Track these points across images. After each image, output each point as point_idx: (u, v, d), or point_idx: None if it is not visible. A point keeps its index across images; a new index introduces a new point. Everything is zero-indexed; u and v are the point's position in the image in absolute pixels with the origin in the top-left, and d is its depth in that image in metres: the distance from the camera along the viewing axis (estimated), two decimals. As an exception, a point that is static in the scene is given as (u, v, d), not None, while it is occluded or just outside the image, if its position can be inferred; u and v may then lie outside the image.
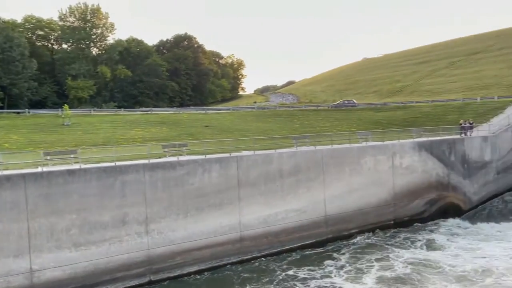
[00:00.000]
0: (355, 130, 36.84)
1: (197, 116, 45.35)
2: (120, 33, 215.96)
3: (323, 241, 22.64)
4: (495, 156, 31.32)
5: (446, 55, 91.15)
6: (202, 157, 20.31)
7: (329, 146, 24.66)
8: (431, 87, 69.17)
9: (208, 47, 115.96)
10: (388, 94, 73.41)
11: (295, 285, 17.57)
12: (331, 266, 19.57)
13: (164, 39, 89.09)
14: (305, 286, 17.44)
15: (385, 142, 26.59)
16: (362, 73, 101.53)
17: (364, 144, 26.44)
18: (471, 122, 33.62)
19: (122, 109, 50.73)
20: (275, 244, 21.20)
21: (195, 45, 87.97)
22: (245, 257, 20.20)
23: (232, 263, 19.76)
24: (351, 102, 57.31)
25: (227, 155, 21.10)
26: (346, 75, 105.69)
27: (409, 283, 17.46)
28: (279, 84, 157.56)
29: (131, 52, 72.10)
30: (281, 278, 18.25)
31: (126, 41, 72.48)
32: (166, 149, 21.92)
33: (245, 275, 18.59)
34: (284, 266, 19.60)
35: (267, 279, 18.15)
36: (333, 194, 23.42)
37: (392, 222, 25.49)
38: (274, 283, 17.79)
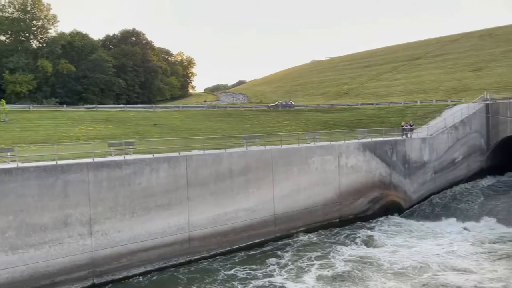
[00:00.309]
0: (303, 131, 37.60)
1: (145, 114, 44.26)
2: (63, 26, 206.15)
3: (272, 239, 22.92)
4: (433, 157, 33.19)
5: (389, 60, 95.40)
6: (150, 156, 19.84)
7: (279, 146, 24.98)
8: (375, 90, 72.15)
9: (157, 44, 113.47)
10: (335, 96, 75.64)
11: (234, 286, 17.30)
12: (274, 265, 19.56)
13: (111, 34, 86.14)
14: (244, 286, 17.23)
15: (332, 143, 27.36)
16: (311, 75, 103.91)
17: (312, 144, 27.05)
18: (411, 124, 35.43)
19: (65, 106, 48.40)
20: (224, 244, 21.16)
21: (144, 42, 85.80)
22: (193, 258, 19.99)
23: (180, 264, 19.48)
24: (289, 103, 58.56)
25: (176, 154, 20.77)
26: (295, 77, 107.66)
27: (349, 281, 17.63)
28: (230, 83, 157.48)
29: (75, 47, 69.02)
30: (222, 278, 18.01)
31: (70, 34, 69.29)
32: (112, 148, 21.20)
33: (190, 276, 18.30)
34: (228, 266, 19.46)
35: (210, 279, 17.90)
36: (282, 193, 23.76)
37: (338, 220, 26.27)
38: (216, 283, 17.52)
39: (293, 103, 59.31)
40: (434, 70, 76.11)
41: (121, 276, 17.85)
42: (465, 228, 25.46)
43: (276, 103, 59.81)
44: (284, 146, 25.19)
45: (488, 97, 41.54)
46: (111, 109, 46.86)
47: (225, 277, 18.21)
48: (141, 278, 18.06)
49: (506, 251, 20.77)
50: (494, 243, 22.41)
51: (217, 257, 20.54)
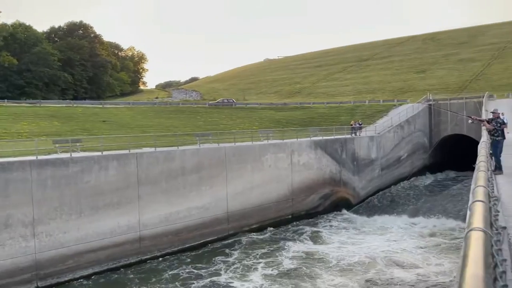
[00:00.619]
0: (257, 129, 37.80)
1: (93, 110, 42.65)
2: (5, 17, 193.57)
3: (225, 237, 22.86)
4: (380, 154, 34.51)
5: (339, 60, 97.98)
6: (99, 153, 19.13)
7: (232, 144, 24.95)
8: (326, 90, 73.88)
9: (106, 38, 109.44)
10: (288, 94, 76.65)
11: (176, 286, 16.86)
12: (221, 263, 19.21)
13: (56, 26, 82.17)
14: (187, 287, 16.84)
15: (285, 141, 27.71)
16: (264, 73, 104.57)
17: (265, 142, 27.25)
18: (360, 123, 36.63)
19: (6, 100, 45.59)
20: (176, 243, 20.84)
21: (92, 35, 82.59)
22: (144, 257, 19.53)
23: (131, 264, 18.96)
24: (230, 100, 58.64)
25: (126, 151, 20.16)
26: (248, 75, 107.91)
27: (296, 278, 17.44)
28: (182, 80, 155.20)
29: (17, 38, 65.33)
30: (167, 278, 17.48)
31: (12, 26, 65.38)
32: (57, 145, 20.23)
33: (137, 276, 17.74)
34: (176, 265, 18.99)
35: (154, 279, 17.37)
36: (235, 190, 23.75)
37: (290, 216, 26.67)
38: (159, 284, 16.99)
39: (234, 100, 59.49)
40: (382, 71, 79.11)
41: (66, 279, 17.10)
42: (410, 223, 26.50)
43: (218, 100, 59.74)
44: (237, 144, 25.20)
45: (430, 98, 43.80)
46: (57, 105, 44.74)
47: (170, 277, 17.61)
48: (86, 281, 17.34)
49: (448, 245, 21.48)
50: (437, 237, 23.19)
51: (169, 256, 20.17)
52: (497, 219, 2.03)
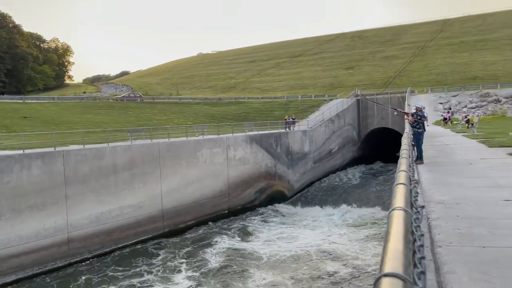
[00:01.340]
0: (191, 124, 37.33)
1: (12, 105, 39.60)
2: None
3: (160, 235, 22.34)
4: (312, 148, 35.65)
5: (272, 56, 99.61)
6: (20, 152, 17.79)
7: (166, 140, 24.41)
8: (260, 85, 74.81)
9: (26, 28, 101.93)
10: (222, 89, 76.55)
11: None
12: (147, 264, 18.43)
13: (-32, 14, 75.02)
14: None
15: (220, 136, 27.63)
16: (198, 68, 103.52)
17: (200, 137, 26.99)
18: (293, 117, 37.56)
19: None
20: (107, 243, 20.00)
21: (10, 25, 76.47)
22: (73, 260, 18.52)
23: (59, 268, 17.90)
24: (137, 95, 57.81)
25: (51, 149, 18.94)
26: (182, 69, 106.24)
27: (226, 275, 16.86)
28: (112, 74, 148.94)
29: None
30: (80, 283, 16.55)
31: None
32: (-29, 143, 18.52)
33: (62, 280, 16.74)
34: (103, 267, 18.00)
35: (76, 283, 16.51)
36: (170, 187, 23.28)
37: (226, 211, 26.69)
38: None
39: (141, 95, 58.60)
40: (313, 67, 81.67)
41: (-14, 288, 15.78)
42: (340, 214, 27.51)
43: (124, 94, 58.45)
44: (171, 139, 24.70)
45: (359, 93, 46.00)
46: (-30, 100, 40.97)
47: (83, 282, 16.61)
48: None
49: (376, 232, 21.96)
50: (370, 227, 23.60)
51: (101, 257, 19.31)
52: (416, 200, 2.18)
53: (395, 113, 15.88)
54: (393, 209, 1.58)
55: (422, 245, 1.24)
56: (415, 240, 1.32)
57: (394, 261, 0.99)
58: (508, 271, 3.54)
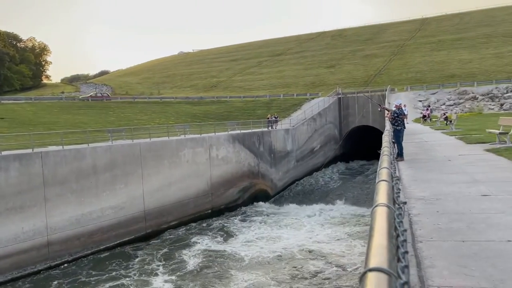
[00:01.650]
0: (173, 123, 37.06)
1: (-12, 106, 38.62)
2: None
3: (142, 236, 22.12)
4: (295, 146, 35.83)
5: (254, 55, 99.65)
6: (-3, 153, 17.38)
7: (147, 140, 24.17)
8: (242, 84, 74.76)
9: (2, 27, 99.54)
10: (204, 88, 76.19)
11: None
12: (124, 268, 18.08)
13: None
14: None
15: (203, 135, 27.49)
16: (179, 67, 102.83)
17: (182, 137, 26.81)
18: (276, 116, 37.67)
19: None
20: (89, 245, 19.70)
21: (-15, 23, 74.44)
22: (53, 263, 18.18)
23: (38, 271, 17.55)
24: (104, 94, 57.47)
25: (29, 151, 18.54)
26: (163, 68, 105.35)
27: (206, 278, 16.58)
28: (92, 73, 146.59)
29: None
30: (63, 286, 16.24)
31: None
32: None
33: (39, 284, 16.40)
34: (71, 272, 17.60)
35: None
36: (152, 188, 23.07)
37: (209, 211, 26.59)
38: None
39: (109, 94, 58.11)
40: (294, 66, 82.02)
41: (-38, 294, 15.37)
42: (323, 212, 27.46)
43: (91, 93, 57.78)
44: (153, 139, 24.46)
45: (340, 92, 46.41)
46: None
47: (62, 286, 16.22)
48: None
49: (359, 229, 21.97)
50: (353, 224, 23.57)
51: (82, 259, 19.00)
52: (398, 196, 2.22)
53: (379, 108, 16.25)
54: (376, 205, 1.61)
55: (405, 240, 1.27)
56: (398, 236, 1.35)
57: (378, 256, 1.01)
58: (486, 264, 3.63)
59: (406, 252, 1.25)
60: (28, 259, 17.37)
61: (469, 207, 5.71)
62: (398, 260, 1.18)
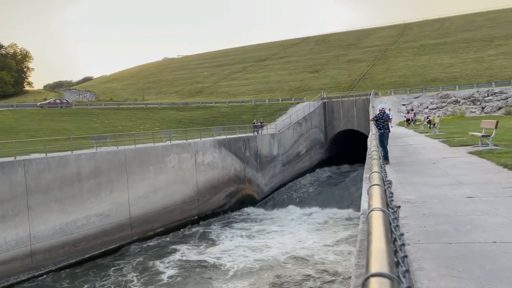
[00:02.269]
0: (158, 129, 36.81)
1: (-32, 114, 37.80)
2: None
3: (128, 244, 21.84)
4: (281, 151, 35.91)
5: (239, 60, 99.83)
6: (-23, 162, 17.00)
7: (132, 146, 23.94)
8: (228, 89, 74.74)
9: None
10: (189, 94, 75.95)
11: None
12: (100, 278, 17.78)
13: None
14: None
15: (188, 141, 27.36)
16: (164, 72, 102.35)
17: (168, 143, 26.63)
18: (261, 121, 37.74)
19: None
20: (73, 254, 19.36)
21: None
22: (37, 273, 17.81)
23: (22, 282, 17.16)
24: (64, 101, 55.63)
25: (11, 159, 18.19)
26: (147, 74, 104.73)
27: (188, 286, 16.34)
28: (75, 80, 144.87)
29: None
30: None
31: None
32: None
33: None
34: (60, 281, 17.35)
35: None
36: (137, 194, 22.82)
37: (196, 217, 26.41)
38: None
39: (69, 101, 56.59)
40: (279, 71, 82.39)
41: None
42: (309, 216, 27.60)
43: (50, 100, 55.64)
44: (138, 146, 24.24)
45: (325, 96, 46.77)
46: None
47: None
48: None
49: (351, 237, 21.25)
50: (339, 229, 23.55)
51: (66, 269, 18.63)
52: (392, 200, 2.24)
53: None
54: (371, 210, 1.62)
55: (403, 244, 1.28)
56: (395, 240, 1.36)
57: (379, 260, 1.02)
58: (472, 265, 3.69)
59: (406, 256, 1.26)
60: (11, 269, 16.98)
61: (454, 210, 5.80)
62: (398, 264, 1.19)
